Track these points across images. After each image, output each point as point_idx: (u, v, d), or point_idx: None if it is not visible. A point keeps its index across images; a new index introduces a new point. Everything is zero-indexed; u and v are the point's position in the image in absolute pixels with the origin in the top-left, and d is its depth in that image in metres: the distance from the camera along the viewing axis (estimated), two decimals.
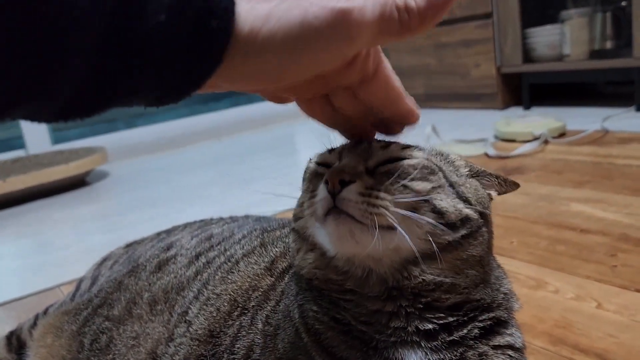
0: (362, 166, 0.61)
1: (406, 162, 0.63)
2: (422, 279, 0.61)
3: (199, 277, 0.90)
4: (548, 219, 1.74)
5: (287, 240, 0.89)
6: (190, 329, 0.82)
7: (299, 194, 0.70)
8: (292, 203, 0.72)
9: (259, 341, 0.73)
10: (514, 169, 2.33)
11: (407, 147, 0.65)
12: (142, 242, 1.19)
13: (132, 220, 2.46)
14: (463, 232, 0.62)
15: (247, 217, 1.15)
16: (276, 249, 0.88)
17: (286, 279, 0.77)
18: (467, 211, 0.63)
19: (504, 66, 3.67)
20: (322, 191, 0.59)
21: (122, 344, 0.88)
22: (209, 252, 0.95)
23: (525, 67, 3.57)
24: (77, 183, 3.30)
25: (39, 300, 1.69)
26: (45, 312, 1.17)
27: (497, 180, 0.74)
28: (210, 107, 4.79)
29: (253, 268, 0.85)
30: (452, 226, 0.61)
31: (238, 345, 0.75)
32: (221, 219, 1.17)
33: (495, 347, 0.66)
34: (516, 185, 0.76)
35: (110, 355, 0.89)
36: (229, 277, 0.86)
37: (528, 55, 3.58)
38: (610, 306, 1.23)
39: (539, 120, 2.83)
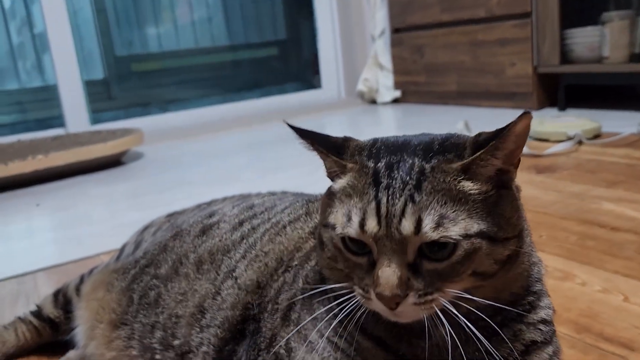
0: (405, 269, 0.61)
1: (447, 261, 0.61)
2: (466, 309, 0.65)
3: (244, 241, 0.96)
4: (578, 215, 1.74)
5: None
6: (239, 281, 0.88)
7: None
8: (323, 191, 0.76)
9: (299, 297, 0.79)
10: (546, 167, 2.33)
11: (439, 223, 0.60)
12: (183, 212, 1.25)
13: (165, 199, 2.53)
14: (503, 268, 0.65)
15: (285, 192, 1.20)
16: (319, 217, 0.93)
17: None
18: (506, 252, 0.64)
19: (540, 66, 3.65)
20: (376, 302, 0.62)
21: (170, 299, 0.94)
22: (253, 220, 1.01)
23: (562, 68, 3.54)
24: (113, 162, 3.40)
25: (77, 267, 1.76)
26: (91, 272, 1.24)
27: (495, 146, 0.64)
28: (243, 96, 4.87)
29: (299, 232, 0.92)
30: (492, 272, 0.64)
31: (282, 298, 0.81)
32: (259, 193, 1.22)
33: (529, 324, 0.70)
34: (527, 115, 0.64)
35: (160, 309, 0.95)
36: (277, 239, 0.92)
37: (566, 56, 3.55)
38: (637, 300, 1.24)
39: (574, 121, 2.81)
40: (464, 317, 0.62)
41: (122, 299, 1.03)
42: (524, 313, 0.69)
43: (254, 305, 0.84)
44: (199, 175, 3.02)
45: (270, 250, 0.90)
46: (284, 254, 0.88)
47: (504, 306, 0.65)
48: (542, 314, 0.72)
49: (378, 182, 0.64)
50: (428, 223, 0.60)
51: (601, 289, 1.30)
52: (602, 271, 1.38)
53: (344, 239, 0.65)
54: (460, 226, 0.61)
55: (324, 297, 0.73)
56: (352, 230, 0.63)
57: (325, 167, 0.72)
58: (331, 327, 0.70)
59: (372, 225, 0.62)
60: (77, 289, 1.21)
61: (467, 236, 0.60)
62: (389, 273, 0.61)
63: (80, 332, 1.11)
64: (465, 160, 0.63)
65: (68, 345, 1.18)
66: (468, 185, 0.63)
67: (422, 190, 0.62)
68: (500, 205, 0.64)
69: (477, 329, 0.62)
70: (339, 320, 0.69)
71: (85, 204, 2.66)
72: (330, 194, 0.70)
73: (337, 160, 0.69)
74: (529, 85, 3.74)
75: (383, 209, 0.62)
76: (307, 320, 0.75)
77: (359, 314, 0.67)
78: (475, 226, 0.61)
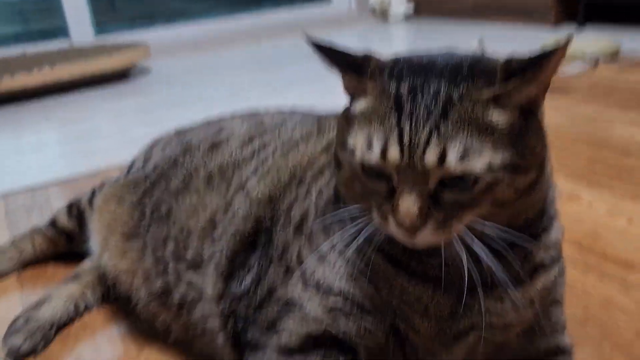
0: (426, 200, 0.60)
1: (468, 192, 0.59)
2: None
3: (255, 156, 0.96)
4: (589, 138, 1.73)
5: None
6: (251, 195, 0.89)
7: (340, 102, 0.70)
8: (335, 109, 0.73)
9: (312, 210, 0.79)
10: (560, 88, 2.28)
11: (463, 155, 0.58)
12: (192, 129, 1.25)
13: (174, 115, 2.52)
14: (521, 197, 0.63)
15: (294, 109, 1.18)
16: (332, 134, 0.91)
17: None
18: (527, 182, 0.62)
19: None
20: (395, 229, 0.62)
21: (181, 213, 0.96)
22: (264, 136, 1.01)
23: None
24: (120, 76, 3.36)
25: (89, 181, 1.79)
26: (102, 186, 1.26)
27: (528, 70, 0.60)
28: (250, 9, 4.71)
29: (311, 149, 0.91)
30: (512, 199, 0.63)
31: (294, 210, 0.82)
32: (268, 110, 1.20)
33: (539, 247, 0.71)
34: (568, 41, 0.60)
35: (171, 223, 0.97)
36: (289, 154, 0.92)
37: None
38: None
39: (592, 40, 2.72)
40: (476, 240, 0.62)
41: (134, 212, 1.05)
42: (535, 238, 0.69)
43: (265, 218, 0.86)
44: (208, 91, 2.98)
45: (283, 165, 0.90)
46: (297, 169, 0.89)
47: (516, 232, 0.64)
48: (552, 237, 0.73)
49: (401, 107, 0.61)
50: (452, 155, 0.58)
51: (606, 211, 1.32)
52: (609, 194, 1.39)
53: (363, 165, 0.63)
54: (484, 159, 0.58)
55: (337, 213, 0.73)
56: (373, 158, 0.61)
57: (343, 83, 0.69)
58: (344, 242, 0.71)
59: (394, 154, 0.60)
60: (90, 202, 1.24)
61: (490, 169, 0.59)
62: (409, 203, 0.59)
63: (94, 243, 1.15)
64: (497, 90, 0.60)
65: (83, 255, 1.23)
66: (496, 116, 0.60)
67: (448, 120, 0.59)
68: (526, 134, 0.62)
69: (488, 249, 0.63)
70: (352, 236, 0.69)
71: (94, 118, 2.66)
72: (347, 115, 0.67)
73: (356, 79, 0.66)
74: (547, 0, 3.58)
75: (406, 138, 0.59)
76: (320, 233, 0.76)
77: (373, 235, 0.67)
78: (499, 158, 0.59)
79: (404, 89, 0.62)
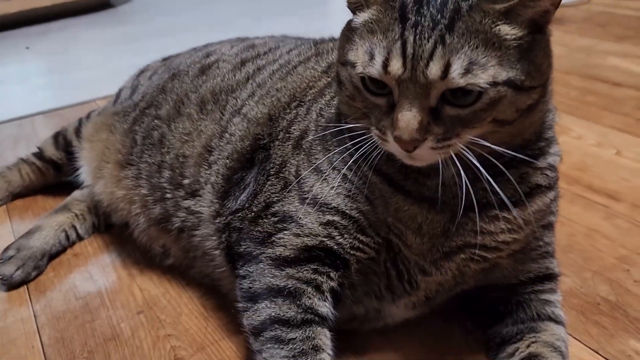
0: (426, 114, 0.59)
1: (470, 107, 0.58)
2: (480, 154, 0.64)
3: (251, 81, 0.94)
4: (582, 70, 1.71)
5: None
6: (248, 116, 0.88)
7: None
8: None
9: (312, 128, 0.79)
10: (555, 19, 2.21)
11: (468, 69, 0.56)
12: (179, 55, 1.22)
13: (160, 45, 2.43)
14: (522, 116, 0.63)
15: (285, 36, 1.15)
16: (331, 57, 0.91)
17: None
18: (529, 102, 0.62)
19: None
20: (393, 145, 0.61)
21: (175, 139, 0.95)
22: (257, 60, 0.99)
23: None
24: (102, 4, 3.24)
25: (74, 111, 1.76)
26: (89, 116, 1.24)
27: None
28: None
29: (311, 71, 0.90)
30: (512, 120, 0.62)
31: (294, 128, 0.82)
32: (258, 36, 1.17)
33: (536, 169, 0.71)
34: None
35: (165, 149, 0.96)
36: (288, 77, 0.91)
37: None
38: (629, 154, 1.26)
39: None
40: (474, 159, 0.62)
41: (126, 140, 1.04)
42: (532, 159, 0.69)
43: (264, 135, 0.85)
44: (194, 20, 2.89)
45: (282, 87, 0.89)
46: (297, 90, 0.88)
47: (512, 152, 0.64)
48: (550, 160, 0.73)
49: (405, 18, 0.58)
50: (456, 68, 0.56)
51: (595, 143, 1.32)
52: (599, 126, 1.39)
53: (364, 78, 0.62)
54: (489, 73, 0.57)
55: (337, 131, 0.73)
56: (374, 70, 0.59)
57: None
58: (343, 160, 0.71)
59: (396, 66, 0.58)
60: (77, 132, 1.22)
61: (494, 84, 0.58)
62: (409, 117, 0.58)
63: (85, 172, 1.14)
64: (511, 2, 0.57)
65: (72, 186, 1.22)
66: (505, 30, 0.58)
67: (454, 31, 0.57)
68: (532, 51, 0.60)
69: (485, 169, 0.62)
70: (350, 154, 0.70)
71: (77, 48, 2.59)
72: (350, 29, 0.65)
73: None
74: None
75: (409, 50, 0.57)
76: (319, 150, 0.76)
77: (372, 153, 0.67)
78: (504, 74, 0.58)
79: None
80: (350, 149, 0.69)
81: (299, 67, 0.92)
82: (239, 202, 0.83)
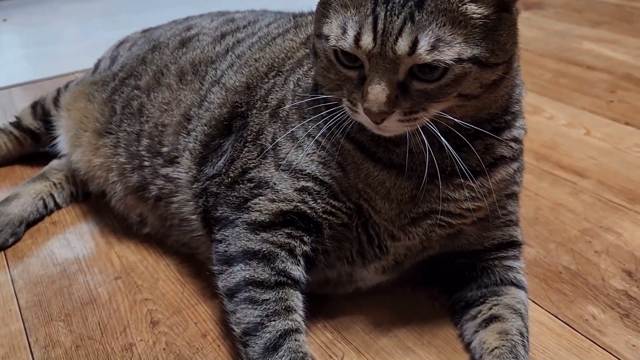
0: (395, 88, 0.61)
1: (436, 82, 0.62)
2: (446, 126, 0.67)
3: (230, 53, 0.96)
4: (557, 53, 1.75)
5: None
6: (227, 85, 0.90)
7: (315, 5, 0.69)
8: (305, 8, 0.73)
9: (289, 98, 0.82)
10: (534, 3, 2.27)
11: (434, 46, 0.59)
12: (159, 27, 1.22)
13: (141, 19, 2.42)
14: (487, 91, 0.66)
15: (265, 10, 1.16)
16: (310, 29, 0.93)
17: None
18: (493, 77, 0.65)
19: None
20: (363, 116, 0.64)
21: (154, 108, 0.97)
22: (237, 33, 1.00)
23: None
24: None
25: (53, 83, 1.74)
26: (67, 86, 1.24)
27: None
28: None
29: (289, 43, 0.92)
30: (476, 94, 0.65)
31: (271, 97, 0.84)
32: (238, 10, 1.18)
33: (500, 140, 0.74)
34: None
35: (144, 118, 0.97)
36: (267, 48, 0.93)
37: None
38: (597, 134, 1.31)
39: None
40: (438, 131, 0.65)
41: (105, 109, 1.05)
42: (496, 132, 0.71)
43: (242, 103, 0.87)
44: None
45: (260, 58, 0.91)
46: (275, 60, 0.90)
47: (475, 127, 0.67)
48: (514, 132, 0.76)
49: None
50: (424, 45, 0.59)
51: (566, 123, 1.36)
52: (570, 107, 1.43)
53: (337, 51, 0.64)
54: (454, 50, 0.60)
55: (313, 100, 0.76)
56: (346, 44, 0.62)
57: None
58: (317, 128, 0.74)
59: (367, 41, 0.60)
60: (55, 101, 1.22)
61: (459, 60, 0.60)
62: (378, 90, 0.61)
63: (63, 141, 1.14)
64: None
65: (49, 156, 1.22)
66: (471, 8, 0.61)
67: (423, 9, 0.59)
68: (498, 30, 0.63)
69: (450, 140, 0.66)
70: (325, 122, 0.72)
71: (56, 21, 2.55)
72: (325, 3, 0.67)
73: None
74: None
75: (380, 25, 0.60)
76: (295, 119, 0.78)
77: (345, 122, 0.70)
78: (469, 51, 0.61)
79: None
80: (325, 117, 0.72)
81: (277, 38, 0.94)
82: (216, 167, 0.84)
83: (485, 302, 0.79)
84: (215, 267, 0.78)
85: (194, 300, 0.90)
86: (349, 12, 0.63)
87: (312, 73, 0.79)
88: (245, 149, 0.82)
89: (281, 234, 0.76)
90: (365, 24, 0.61)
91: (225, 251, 0.77)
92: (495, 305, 0.77)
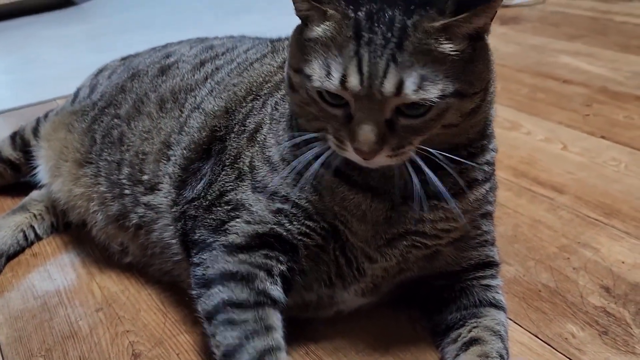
0: (383, 126, 0.62)
1: (421, 118, 0.63)
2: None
3: (209, 80, 0.97)
4: (534, 68, 1.78)
5: None
6: (206, 110, 0.91)
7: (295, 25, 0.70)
8: (288, 34, 0.73)
9: (267, 122, 0.83)
10: (511, 18, 2.31)
11: (419, 85, 0.60)
12: (138, 55, 1.23)
13: (124, 42, 2.43)
14: (466, 119, 0.67)
15: (244, 36, 1.18)
16: (287, 53, 0.93)
17: None
18: (472, 106, 0.66)
19: None
20: (352, 153, 0.65)
21: (135, 137, 0.97)
22: (216, 61, 1.01)
23: None
24: (64, 2, 3.20)
25: (35, 111, 1.74)
26: (46, 115, 1.24)
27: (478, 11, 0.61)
28: None
29: (267, 67, 0.93)
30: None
31: (249, 121, 0.85)
32: (217, 37, 1.19)
33: (474, 165, 0.75)
34: None
35: (125, 147, 0.98)
36: (245, 73, 0.94)
37: None
38: (574, 148, 1.32)
39: None
40: (419, 159, 0.66)
41: (85, 139, 1.05)
42: (473, 155, 0.73)
43: (221, 127, 0.88)
44: (157, 17, 2.88)
45: (239, 82, 0.93)
46: (254, 84, 0.91)
47: (455, 157, 0.68)
48: (487, 156, 0.77)
49: (359, 35, 0.61)
50: (409, 85, 0.60)
51: (544, 138, 1.38)
52: (548, 122, 1.45)
53: (321, 92, 0.65)
54: (438, 87, 0.61)
55: (289, 125, 0.77)
56: (332, 85, 0.62)
57: (295, 6, 0.67)
58: (292, 153, 0.75)
59: (353, 83, 0.61)
60: (35, 131, 1.22)
61: (443, 97, 0.62)
62: (367, 130, 0.62)
63: (43, 171, 1.14)
64: (447, 20, 0.61)
65: (29, 186, 1.22)
66: (448, 46, 0.62)
67: (403, 50, 0.60)
68: (474, 61, 0.65)
69: (428, 163, 0.67)
70: (298, 146, 0.73)
71: (37, 46, 2.55)
72: (302, 40, 0.67)
73: (314, 4, 0.64)
74: None
75: (365, 67, 0.60)
76: (272, 144, 0.79)
77: (323, 153, 0.70)
78: (450, 86, 0.62)
79: (362, 15, 0.62)
80: (306, 154, 0.72)
81: (255, 63, 0.96)
82: (195, 191, 0.85)
83: (465, 325, 0.79)
84: (194, 291, 0.78)
85: (176, 331, 0.90)
86: (330, 52, 0.63)
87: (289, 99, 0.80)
88: (223, 173, 0.83)
89: (259, 255, 0.77)
90: (350, 65, 0.61)
91: (204, 274, 0.78)
92: (474, 327, 0.78)
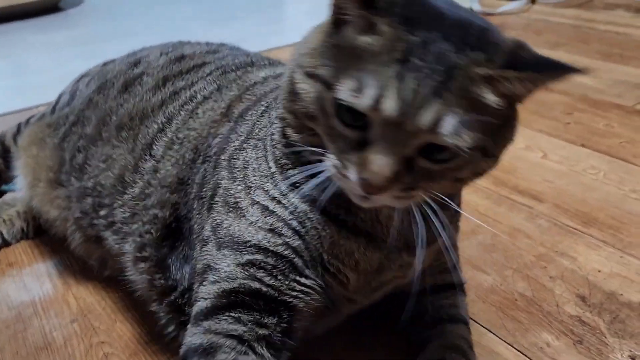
0: (401, 163, 0.55)
1: (442, 165, 0.57)
2: None
3: (163, 108, 0.90)
4: None
5: (240, 83, 0.88)
6: (159, 175, 0.83)
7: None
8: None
9: (225, 177, 0.73)
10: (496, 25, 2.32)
11: (457, 129, 0.53)
12: (114, 60, 1.21)
13: (110, 48, 2.40)
14: (475, 177, 0.63)
15: (222, 44, 1.15)
16: (231, 93, 0.86)
17: (257, 119, 0.76)
18: (486, 168, 0.62)
19: None
20: (352, 183, 0.57)
21: (94, 165, 0.92)
22: (177, 80, 0.94)
23: None
24: (50, 7, 3.18)
25: (18, 118, 1.72)
26: (27, 122, 1.23)
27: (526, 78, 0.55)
28: None
29: (210, 115, 0.84)
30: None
31: (205, 189, 0.76)
32: (198, 42, 1.16)
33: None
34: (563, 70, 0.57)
35: (87, 175, 0.93)
36: (190, 123, 0.85)
37: None
38: (554, 157, 1.33)
39: None
40: (430, 210, 0.61)
41: (55, 157, 1.02)
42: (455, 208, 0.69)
43: (181, 204, 0.80)
44: (145, 24, 2.87)
45: (184, 138, 0.83)
46: (199, 141, 0.81)
47: (455, 206, 0.65)
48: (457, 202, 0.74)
49: (407, 60, 0.53)
50: (447, 125, 0.53)
51: (524, 146, 1.39)
52: (529, 130, 1.46)
53: (340, 105, 0.55)
54: (472, 137, 0.54)
55: (260, 159, 0.70)
56: (362, 103, 0.54)
57: (336, 6, 0.58)
58: (264, 192, 0.67)
59: (390, 106, 0.53)
60: (15, 138, 1.20)
61: (474, 148, 0.55)
62: (384, 162, 0.54)
63: (20, 183, 1.12)
64: (494, 71, 0.54)
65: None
66: (491, 98, 0.55)
67: (450, 87, 0.53)
68: (506, 124, 0.60)
69: (420, 214, 0.61)
70: (273, 180, 0.67)
71: (22, 52, 2.53)
72: (329, 43, 0.58)
73: (365, 14, 0.56)
74: None
75: (407, 92, 0.53)
76: (238, 191, 0.71)
77: (314, 184, 0.62)
78: (482, 141, 0.55)
79: (416, 40, 0.54)
80: (275, 175, 0.67)
81: (199, 108, 0.87)
82: (186, 278, 0.78)
83: (427, 349, 0.79)
84: None
85: (152, 342, 0.89)
86: (367, 67, 0.55)
87: (250, 143, 0.73)
88: (195, 252, 0.76)
89: (225, 319, 0.67)
90: (390, 86, 0.53)
91: (180, 356, 0.69)
92: (436, 349, 0.77)
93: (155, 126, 0.88)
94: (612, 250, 1.02)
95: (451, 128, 0.54)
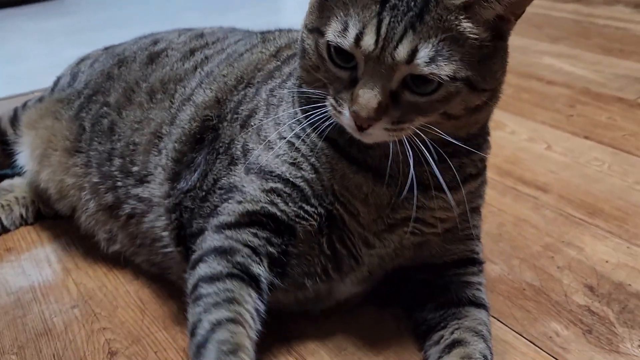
0: (387, 96, 0.62)
1: (427, 97, 0.62)
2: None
3: (199, 70, 0.95)
4: (518, 69, 1.78)
5: (284, 36, 0.96)
6: (196, 101, 0.89)
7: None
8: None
9: (262, 107, 0.81)
10: None
11: (432, 58, 0.59)
12: (122, 43, 1.20)
13: (104, 37, 2.37)
14: (468, 114, 0.66)
15: (234, 28, 1.16)
16: (280, 41, 0.93)
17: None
18: (477, 102, 0.65)
19: None
20: (347, 118, 0.64)
21: (126, 127, 0.95)
22: (205, 50, 0.99)
23: None
24: None
25: (13, 103, 1.69)
26: (25, 105, 1.20)
27: None
28: None
29: (258, 55, 0.92)
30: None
31: (242, 108, 0.83)
32: (208, 27, 1.17)
33: (472, 160, 0.76)
34: None
35: (116, 137, 0.95)
36: (235, 64, 0.92)
37: None
38: (558, 148, 1.33)
39: None
40: (420, 143, 0.66)
41: (72, 127, 1.02)
42: (467, 153, 0.73)
43: (212, 117, 0.86)
44: (142, 13, 2.85)
45: (229, 73, 0.91)
46: (245, 73, 0.89)
47: (460, 143, 0.68)
48: (482, 153, 0.77)
49: (385, 1, 0.60)
50: (422, 55, 0.59)
51: (528, 138, 1.38)
52: (532, 122, 1.46)
53: (330, 47, 0.63)
54: (451, 67, 0.60)
55: (289, 104, 0.76)
56: (346, 42, 0.61)
57: None
58: (290, 128, 0.74)
59: (369, 42, 0.60)
60: (13, 121, 1.18)
61: (454, 79, 0.60)
62: (370, 95, 0.61)
63: (27, 158, 1.10)
64: None
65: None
66: (468, 27, 0.61)
67: (424, 21, 0.59)
68: (492, 58, 0.64)
69: (429, 154, 0.66)
70: (299, 123, 0.72)
71: (18, 39, 2.50)
72: (322, 0, 0.66)
73: None
74: None
75: (383, 29, 0.60)
76: (270, 126, 0.77)
77: (323, 122, 0.69)
78: (464, 71, 0.61)
79: None
80: (300, 118, 0.72)
81: (245, 54, 0.94)
82: (190, 182, 0.83)
83: (446, 327, 0.78)
84: (186, 277, 0.76)
85: (155, 328, 0.88)
86: (351, 11, 0.62)
87: (288, 84, 0.79)
88: (217, 161, 0.81)
89: (246, 233, 0.75)
90: (369, 25, 0.61)
91: (194, 258, 0.76)
92: (456, 329, 0.77)
93: (194, 83, 0.93)
94: (619, 241, 1.02)
95: (427, 57, 0.59)
